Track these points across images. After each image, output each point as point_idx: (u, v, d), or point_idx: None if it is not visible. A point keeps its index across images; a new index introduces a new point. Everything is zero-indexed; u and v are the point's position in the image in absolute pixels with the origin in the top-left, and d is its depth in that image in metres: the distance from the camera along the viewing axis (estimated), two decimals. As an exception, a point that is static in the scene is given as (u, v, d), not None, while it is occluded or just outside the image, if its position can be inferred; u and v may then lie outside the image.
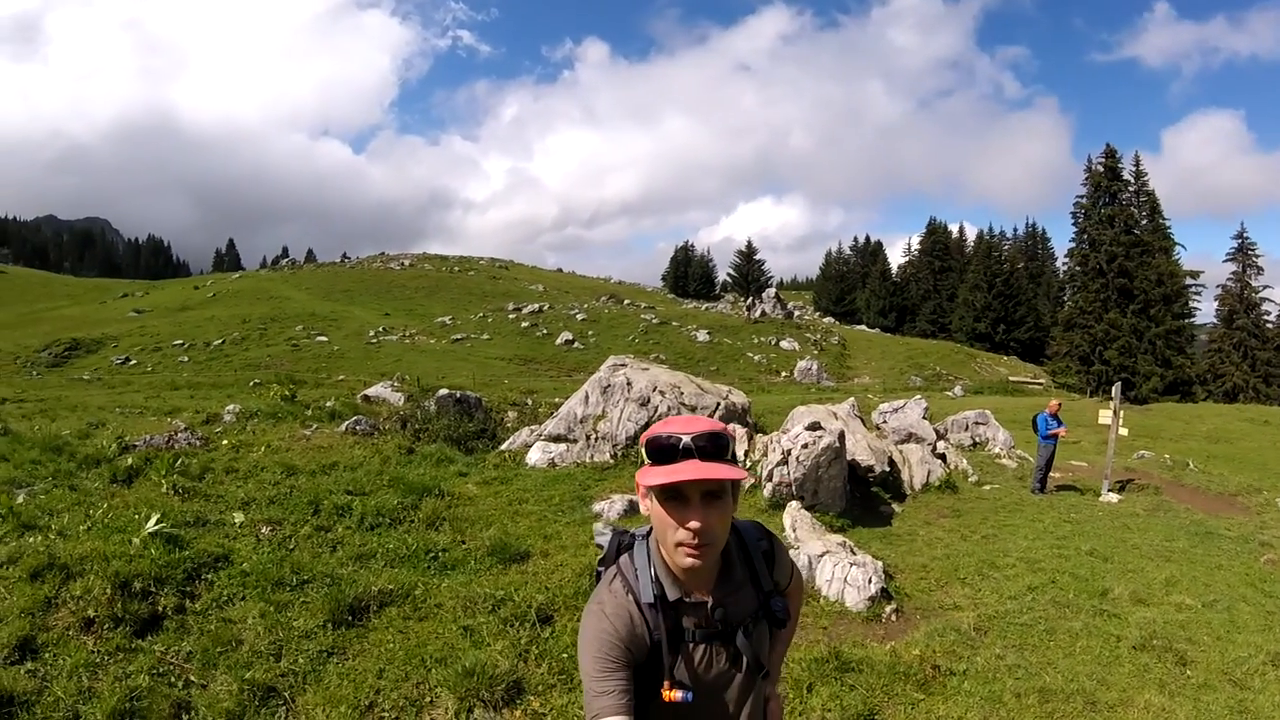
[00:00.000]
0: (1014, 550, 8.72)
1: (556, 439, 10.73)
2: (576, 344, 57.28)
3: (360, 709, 4.33)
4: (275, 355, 45.51)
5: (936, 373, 53.26)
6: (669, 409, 9.88)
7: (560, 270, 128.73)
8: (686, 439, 1.71)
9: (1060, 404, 14.37)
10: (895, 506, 10.68)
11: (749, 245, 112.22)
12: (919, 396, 16.77)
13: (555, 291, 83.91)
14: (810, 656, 5.27)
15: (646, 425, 9.83)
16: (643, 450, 1.79)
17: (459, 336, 58.16)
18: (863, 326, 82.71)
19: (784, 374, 51.17)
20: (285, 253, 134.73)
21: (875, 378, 50.81)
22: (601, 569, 1.99)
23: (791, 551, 6.78)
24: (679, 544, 1.74)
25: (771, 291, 72.22)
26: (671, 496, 1.72)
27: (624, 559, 1.92)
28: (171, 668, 4.49)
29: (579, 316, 65.51)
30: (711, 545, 1.75)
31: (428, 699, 4.47)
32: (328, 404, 16.28)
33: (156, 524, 6.32)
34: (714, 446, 1.72)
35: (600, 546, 2.02)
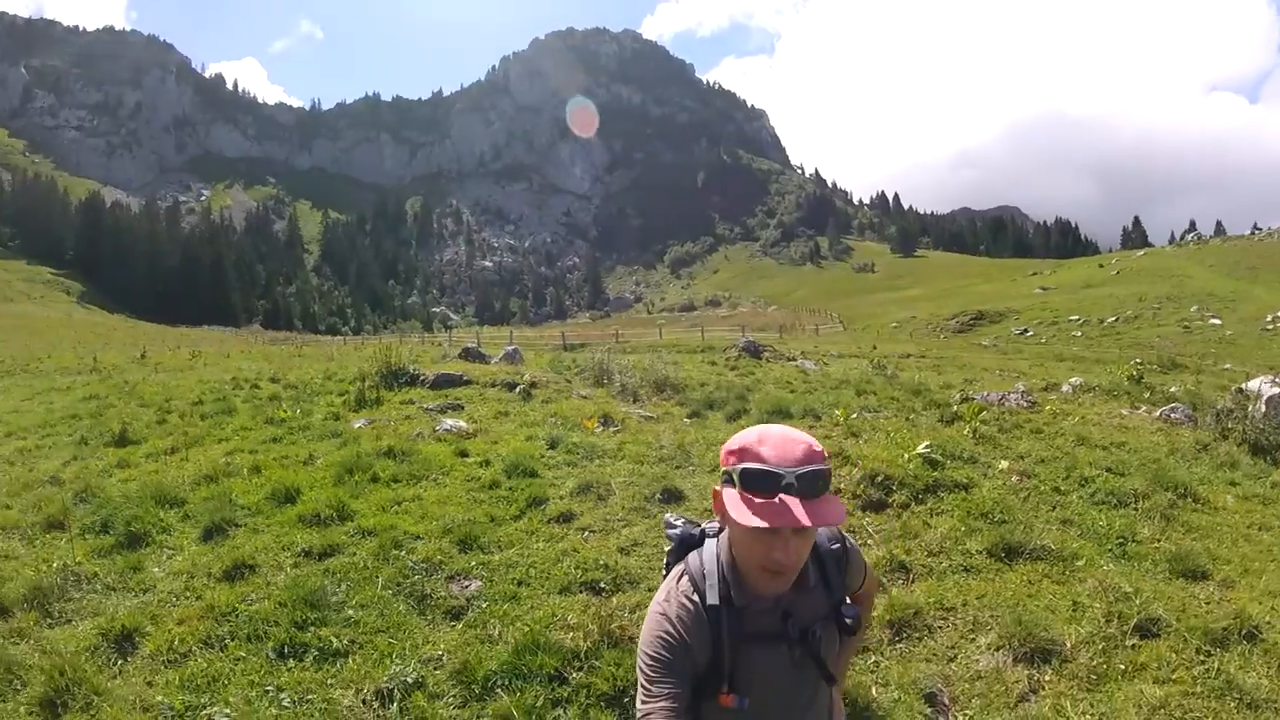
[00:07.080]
0: None
1: None
2: None
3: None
4: (1164, 335, 42.97)
5: None
6: None
7: None
8: (789, 477, 1.63)
9: None
10: None
11: None
12: None
13: None
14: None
15: None
16: (734, 473, 1.71)
17: (1400, 328, 44.08)
18: None
19: None
20: (1192, 226, 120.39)
21: None
22: (669, 564, 1.98)
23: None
24: (762, 567, 1.73)
25: None
26: (764, 530, 1.67)
27: (692, 557, 1.88)
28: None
29: None
30: (794, 569, 1.75)
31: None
32: (1171, 389, 15.99)
33: (925, 448, 8.34)
34: (816, 483, 1.67)
35: (671, 539, 2.01)
